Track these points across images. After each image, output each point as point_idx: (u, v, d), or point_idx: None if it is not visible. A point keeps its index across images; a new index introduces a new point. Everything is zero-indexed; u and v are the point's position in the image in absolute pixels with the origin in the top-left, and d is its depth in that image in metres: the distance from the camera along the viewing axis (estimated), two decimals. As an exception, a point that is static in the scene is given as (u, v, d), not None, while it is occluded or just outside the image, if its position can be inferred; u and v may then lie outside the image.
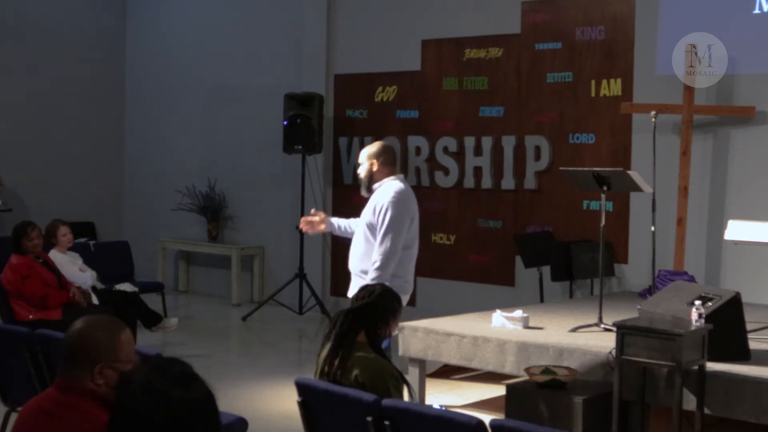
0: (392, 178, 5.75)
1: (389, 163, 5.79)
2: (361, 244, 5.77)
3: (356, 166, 6.03)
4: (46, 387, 3.93)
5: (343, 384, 4.00)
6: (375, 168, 5.76)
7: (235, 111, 11.70)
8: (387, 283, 4.98)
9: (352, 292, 5.83)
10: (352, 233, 5.94)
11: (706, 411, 5.21)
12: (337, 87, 10.76)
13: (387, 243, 5.58)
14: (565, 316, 6.92)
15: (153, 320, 8.10)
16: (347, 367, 4.05)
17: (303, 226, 6.01)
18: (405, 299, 5.82)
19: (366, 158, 5.79)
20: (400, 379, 4.10)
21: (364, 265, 5.72)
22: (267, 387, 7.28)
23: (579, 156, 9.05)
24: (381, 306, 4.19)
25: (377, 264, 5.57)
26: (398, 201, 5.64)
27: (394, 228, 5.58)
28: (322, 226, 6.01)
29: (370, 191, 5.79)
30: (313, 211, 6.13)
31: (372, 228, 5.69)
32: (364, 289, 4.25)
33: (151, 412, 2.18)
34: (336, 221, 6.08)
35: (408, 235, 5.71)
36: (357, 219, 5.92)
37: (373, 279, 5.52)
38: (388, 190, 5.69)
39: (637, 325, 5.15)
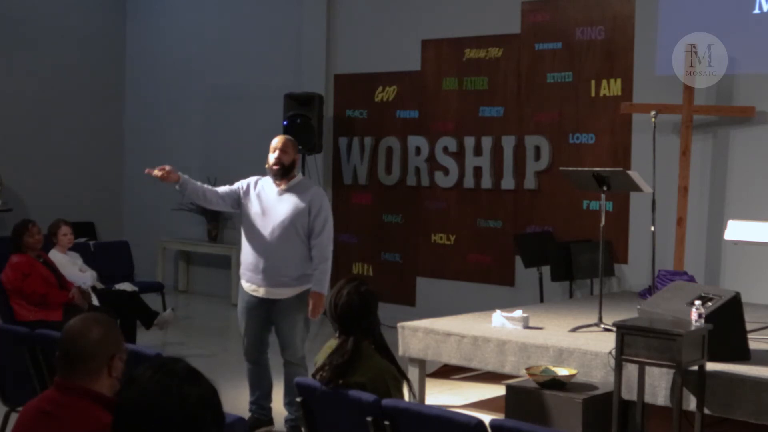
0: (299, 174, 6.04)
1: None
2: (290, 248, 5.87)
3: (278, 153, 5.91)
4: (46, 387, 3.93)
5: (343, 385, 4.00)
6: (297, 162, 6.00)
7: (235, 111, 11.69)
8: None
9: (279, 293, 5.88)
10: (204, 200, 6.04)
11: (706, 411, 5.21)
12: (337, 87, 10.76)
13: (329, 234, 5.89)
14: (565, 316, 6.92)
15: (153, 320, 8.09)
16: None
17: (157, 172, 5.74)
18: None
19: (293, 150, 5.94)
20: (400, 379, 4.08)
21: (304, 269, 5.88)
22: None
23: (579, 156, 9.04)
24: (371, 311, 4.12)
25: (327, 253, 5.88)
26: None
27: (331, 224, 5.93)
28: (172, 176, 5.80)
29: (283, 180, 5.92)
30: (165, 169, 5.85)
31: (300, 228, 5.83)
32: (347, 306, 4.06)
33: (166, 410, 2.22)
34: (189, 181, 5.94)
35: None
36: (217, 189, 6.09)
37: (323, 269, 5.85)
38: (316, 193, 5.93)
39: (637, 325, 5.15)
